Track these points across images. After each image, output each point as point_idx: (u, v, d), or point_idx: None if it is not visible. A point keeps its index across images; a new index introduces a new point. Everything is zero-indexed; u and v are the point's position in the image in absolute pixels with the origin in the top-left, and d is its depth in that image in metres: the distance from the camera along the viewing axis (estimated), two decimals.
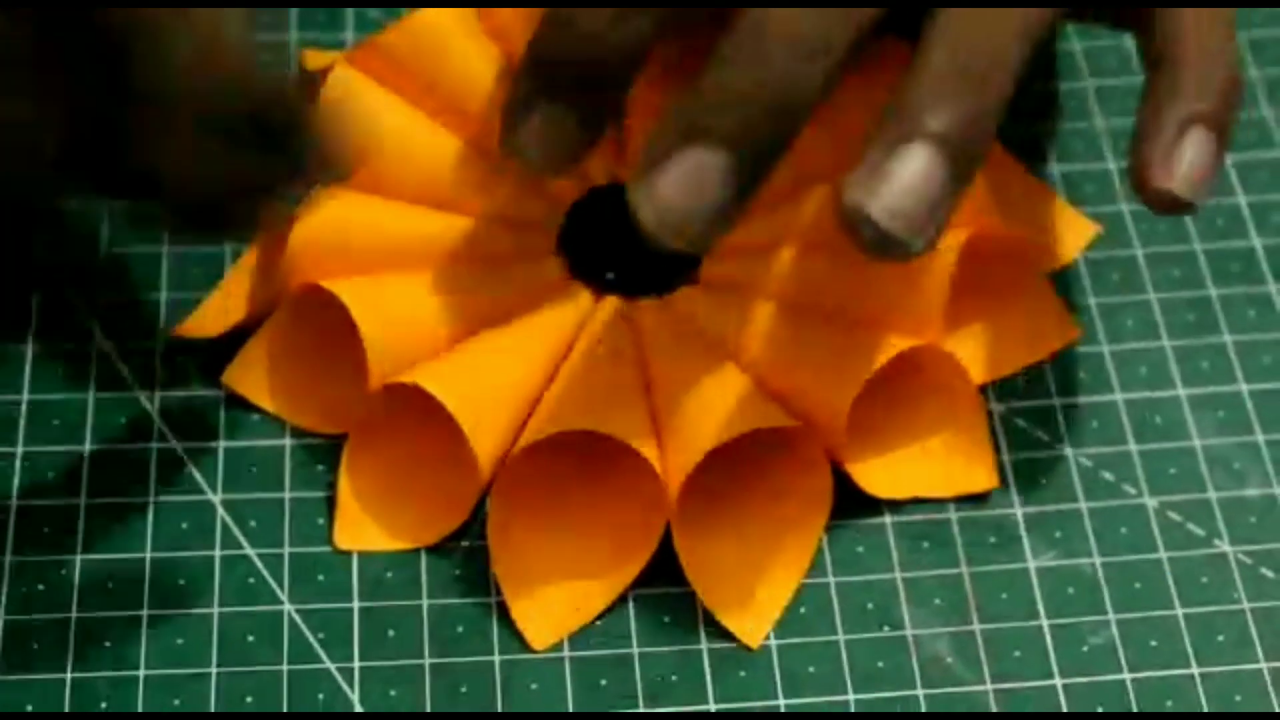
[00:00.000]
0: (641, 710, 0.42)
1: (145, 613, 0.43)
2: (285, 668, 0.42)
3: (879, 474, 0.45)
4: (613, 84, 0.43)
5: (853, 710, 0.42)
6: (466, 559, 0.44)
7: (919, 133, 0.41)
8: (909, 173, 0.41)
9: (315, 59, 0.51)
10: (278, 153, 0.39)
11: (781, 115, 0.41)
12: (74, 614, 0.43)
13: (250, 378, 0.46)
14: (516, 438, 0.44)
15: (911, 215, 0.40)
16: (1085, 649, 0.43)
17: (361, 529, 0.44)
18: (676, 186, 0.40)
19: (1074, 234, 0.48)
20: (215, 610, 0.43)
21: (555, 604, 0.43)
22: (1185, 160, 0.42)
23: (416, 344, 0.45)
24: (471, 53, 0.48)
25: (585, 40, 0.42)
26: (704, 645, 0.43)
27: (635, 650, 0.43)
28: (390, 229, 0.46)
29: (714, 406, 0.44)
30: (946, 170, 0.41)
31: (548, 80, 0.43)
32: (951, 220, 0.46)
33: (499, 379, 0.44)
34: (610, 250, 0.47)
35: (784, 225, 0.46)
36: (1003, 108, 0.42)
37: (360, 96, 0.47)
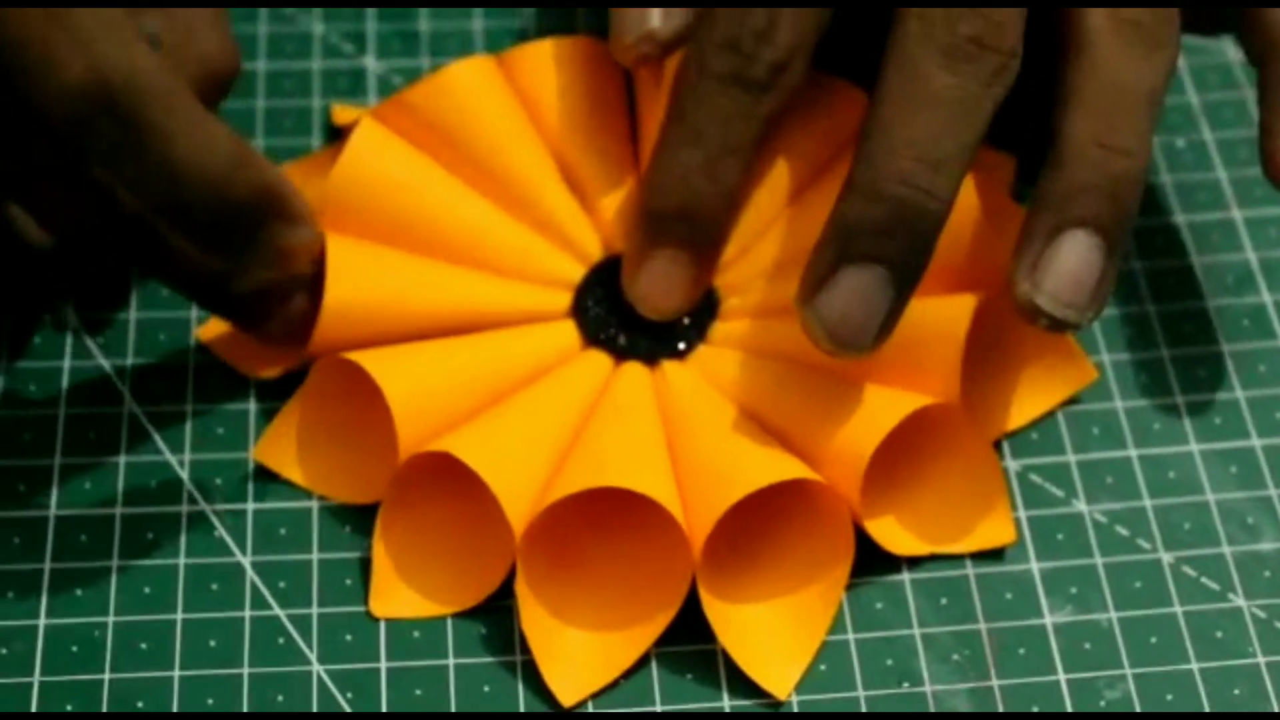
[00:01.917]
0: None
1: (177, 674, 0.43)
2: None
3: (897, 531, 0.46)
4: (714, 226, 0.46)
5: None
6: (492, 618, 0.44)
7: (1071, 220, 0.44)
8: (1067, 261, 0.44)
9: (343, 114, 0.52)
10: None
11: (926, 231, 0.44)
12: (107, 675, 0.43)
13: (280, 453, 0.47)
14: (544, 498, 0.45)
15: (1077, 299, 0.44)
16: (1102, 703, 0.43)
17: (397, 597, 0.45)
18: (840, 306, 0.44)
19: None
20: (245, 671, 0.43)
21: (584, 660, 0.44)
22: None
23: (442, 413, 0.45)
24: (495, 111, 0.49)
25: (682, 188, 0.46)
26: (726, 702, 0.43)
27: (659, 709, 0.43)
28: (412, 290, 0.47)
29: (735, 462, 0.44)
30: (1102, 249, 0.44)
31: (657, 231, 0.46)
32: (962, 279, 0.47)
33: (528, 444, 0.45)
34: (624, 313, 0.48)
35: (792, 287, 0.47)
36: (1144, 180, 0.45)
37: (385, 151, 0.48)
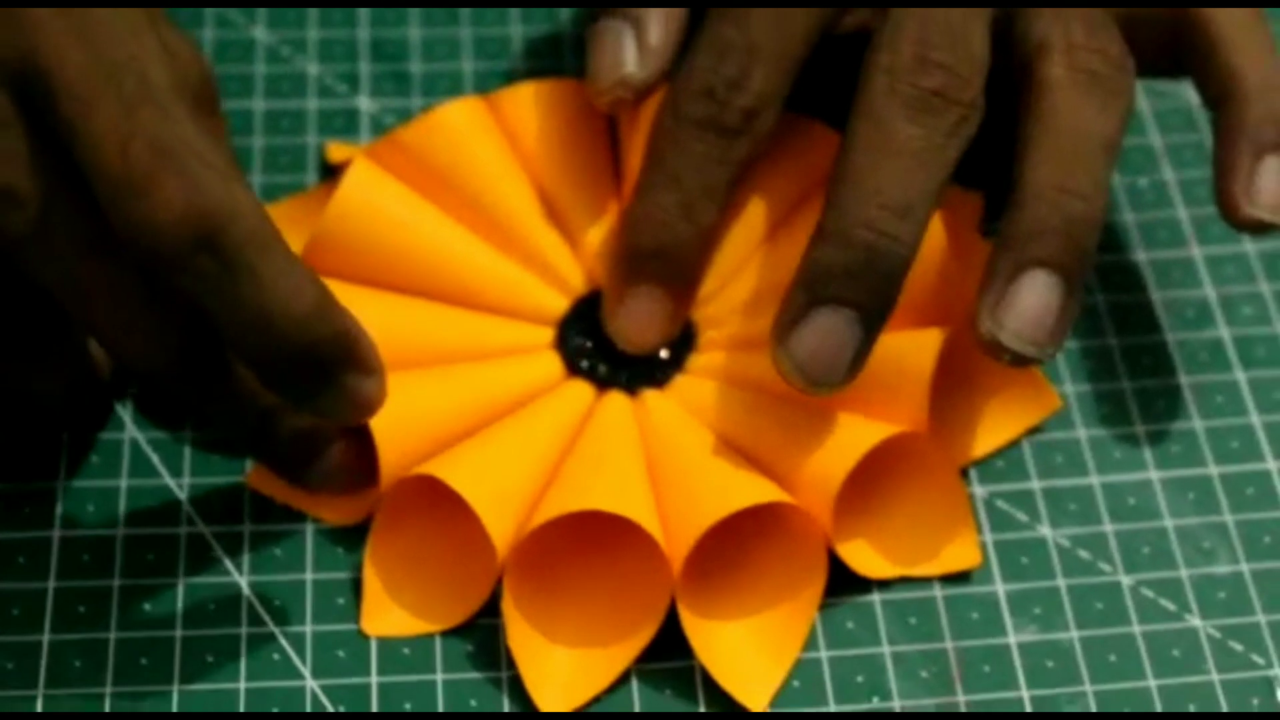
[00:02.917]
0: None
1: (176, 688, 0.45)
2: None
3: (867, 554, 0.47)
4: (690, 264, 0.48)
5: None
6: (478, 636, 0.46)
7: (1031, 260, 0.46)
8: (1028, 300, 0.46)
9: (337, 152, 0.54)
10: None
11: (891, 274, 0.45)
12: (109, 689, 0.45)
13: (273, 479, 0.48)
14: (529, 521, 0.47)
15: (1037, 337, 0.46)
16: None
17: (388, 616, 0.46)
18: (811, 345, 0.45)
19: None
20: (242, 685, 0.45)
21: (567, 675, 0.45)
22: (1264, 188, 0.47)
23: (425, 438, 0.47)
24: (484, 150, 0.50)
25: (660, 229, 0.48)
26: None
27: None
28: (400, 325, 0.49)
29: (712, 486, 0.46)
30: (1061, 288, 0.46)
31: (636, 269, 0.48)
32: (930, 314, 0.48)
33: (512, 469, 0.46)
34: (605, 346, 0.49)
35: (767, 320, 0.48)
36: (1102, 222, 0.47)
37: (377, 189, 0.49)
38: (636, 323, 0.49)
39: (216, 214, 0.41)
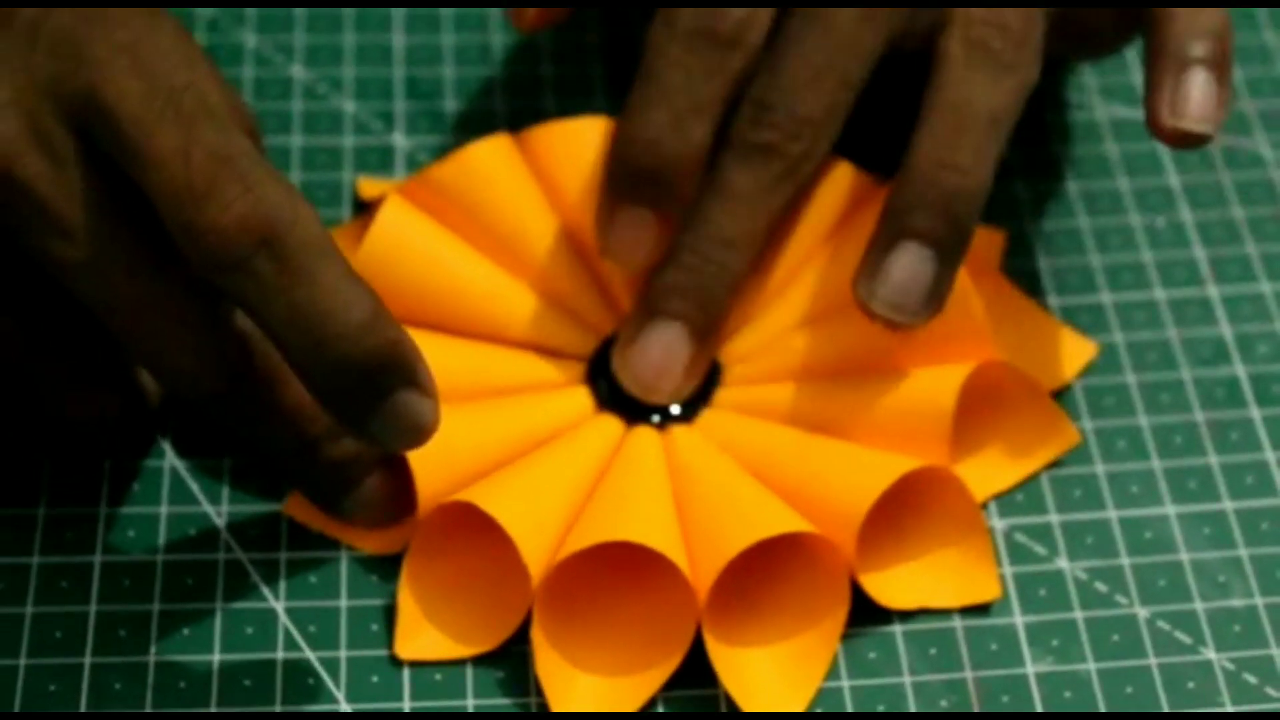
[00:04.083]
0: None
1: (214, 710, 0.46)
2: None
3: (889, 586, 0.48)
4: (676, 181, 0.49)
5: None
6: (509, 663, 0.47)
7: (905, 232, 0.48)
8: (900, 270, 0.48)
9: (369, 188, 0.55)
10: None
11: (715, 294, 0.49)
12: (148, 709, 0.46)
13: (309, 507, 0.49)
14: (559, 551, 0.48)
15: (907, 305, 0.48)
16: None
17: (422, 640, 0.47)
18: (646, 356, 0.49)
19: (1073, 354, 0.52)
20: (278, 708, 0.46)
21: (594, 703, 0.46)
22: (1189, 100, 0.48)
23: (460, 470, 0.48)
24: (513, 187, 0.51)
25: (650, 147, 0.49)
26: None
27: None
28: (433, 361, 0.50)
29: (737, 516, 0.47)
30: (933, 260, 0.48)
31: (624, 188, 0.49)
32: (955, 353, 0.49)
33: (545, 499, 0.47)
34: None
35: (792, 356, 0.50)
36: (982, 195, 0.48)
37: (410, 227, 0.51)
38: (625, 243, 0.50)
39: (277, 218, 0.42)
